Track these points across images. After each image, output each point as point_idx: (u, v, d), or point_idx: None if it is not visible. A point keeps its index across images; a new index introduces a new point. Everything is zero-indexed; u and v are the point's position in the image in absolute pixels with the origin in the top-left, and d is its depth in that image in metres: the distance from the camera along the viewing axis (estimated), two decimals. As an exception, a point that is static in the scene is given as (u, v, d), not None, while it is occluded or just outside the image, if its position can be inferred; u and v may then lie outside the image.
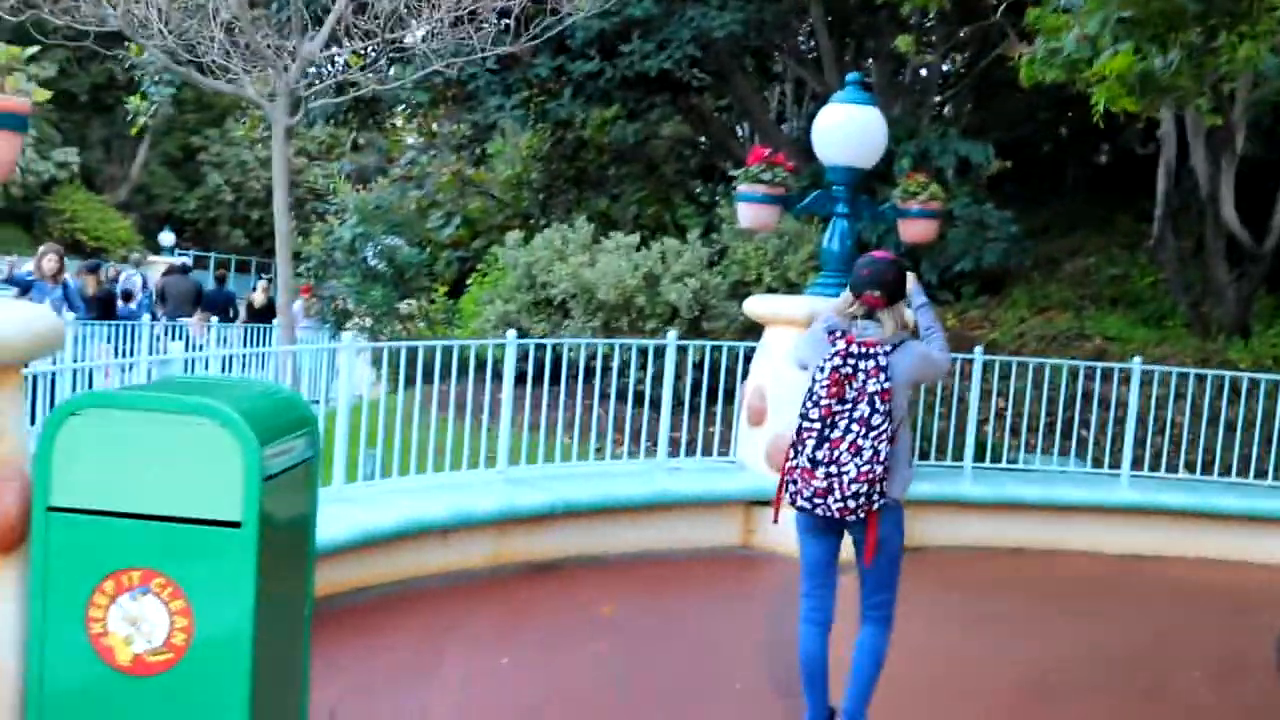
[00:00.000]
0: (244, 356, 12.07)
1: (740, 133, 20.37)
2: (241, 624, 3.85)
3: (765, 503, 8.67)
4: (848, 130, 8.73)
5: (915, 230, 9.09)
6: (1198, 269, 13.64)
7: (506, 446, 8.14)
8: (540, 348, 9.41)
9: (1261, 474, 9.75)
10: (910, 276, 5.13)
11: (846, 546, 5.14)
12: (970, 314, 13.41)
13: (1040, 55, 6.52)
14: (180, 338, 16.12)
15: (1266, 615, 7.85)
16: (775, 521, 5.33)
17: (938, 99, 16.63)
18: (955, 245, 13.30)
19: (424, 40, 10.86)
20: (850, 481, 4.79)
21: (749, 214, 8.88)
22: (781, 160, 8.84)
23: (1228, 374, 9.79)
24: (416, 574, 7.24)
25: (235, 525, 3.81)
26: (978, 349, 9.51)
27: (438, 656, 6.17)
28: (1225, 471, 9.78)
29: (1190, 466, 9.81)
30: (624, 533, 8.23)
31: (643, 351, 9.38)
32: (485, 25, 10.36)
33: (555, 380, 8.52)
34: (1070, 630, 7.40)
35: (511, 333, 8.16)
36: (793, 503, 5.00)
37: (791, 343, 8.80)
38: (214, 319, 16.23)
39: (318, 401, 7.64)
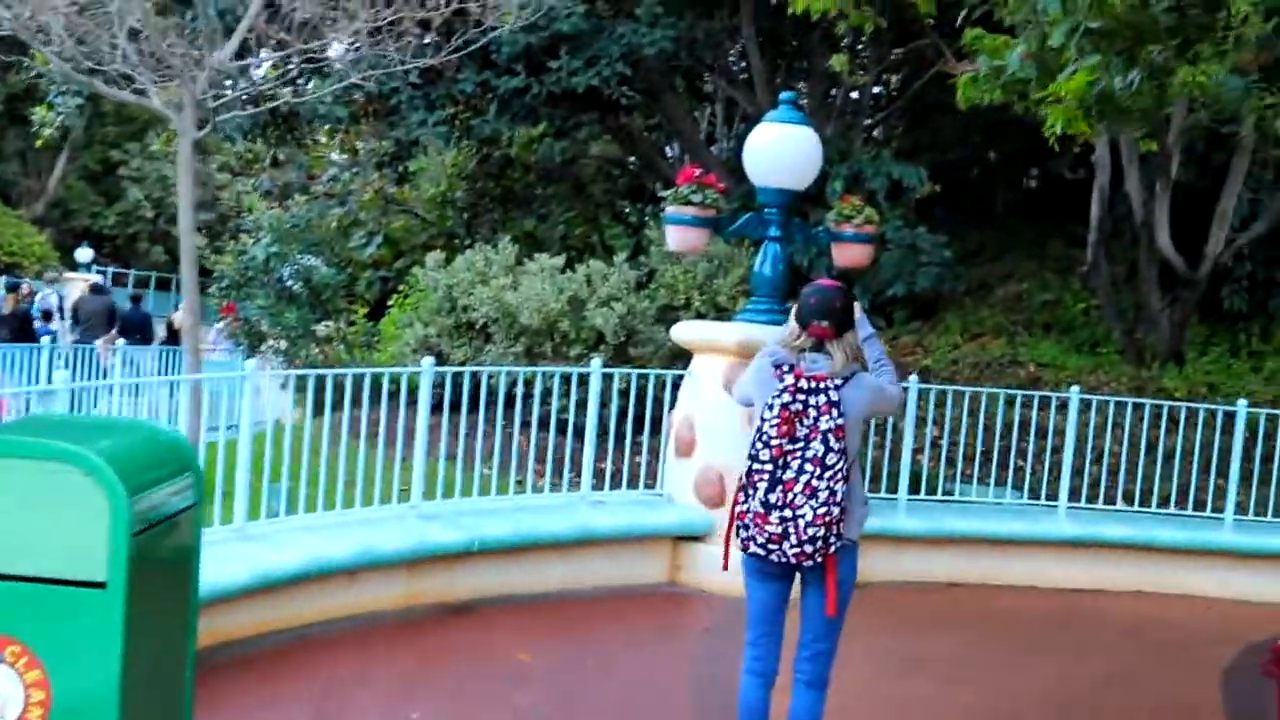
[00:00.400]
0: (137, 385, 11.54)
1: (669, 153, 20.10)
2: (106, 697, 3.44)
3: (694, 538, 8.33)
4: (780, 150, 8.41)
5: (850, 255, 8.79)
6: (1131, 295, 13.49)
7: (421, 480, 7.71)
8: (459, 374, 9.02)
9: (1200, 505, 9.55)
10: (856, 306, 4.82)
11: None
12: (903, 340, 13.16)
13: (984, 74, 6.24)
14: (88, 360, 15.53)
15: (1213, 654, 7.62)
16: (725, 569, 4.95)
17: (869, 121, 16.41)
18: (888, 269, 13.04)
19: (343, 52, 10.43)
20: (807, 525, 4.48)
21: (678, 236, 8.53)
22: (712, 181, 8.51)
23: (1165, 403, 9.59)
24: (322, 618, 6.79)
25: (100, 586, 3.40)
26: (913, 378, 9.22)
27: (342, 711, 5.74)
28: (1164, 502, 9.57)
29: (1128, 497, 9.57)
30: (545, 571, 7.83)
31: (566, 379, 9.01)
32: (406, 37, 9.95)
33: (475, 408, 8.13)
34: (1011, 673, 7.10)
35: (428, 360, 7.75)
36: (745, 549, 4.67)
37: (721, 371, 8.49)
38: (121, 341, 15.63)
39: (216, 429, 7.19)
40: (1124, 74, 4.42)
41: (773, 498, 4.53)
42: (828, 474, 4.49)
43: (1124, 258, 13.85)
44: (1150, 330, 12.46)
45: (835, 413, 4.53)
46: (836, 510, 4.50)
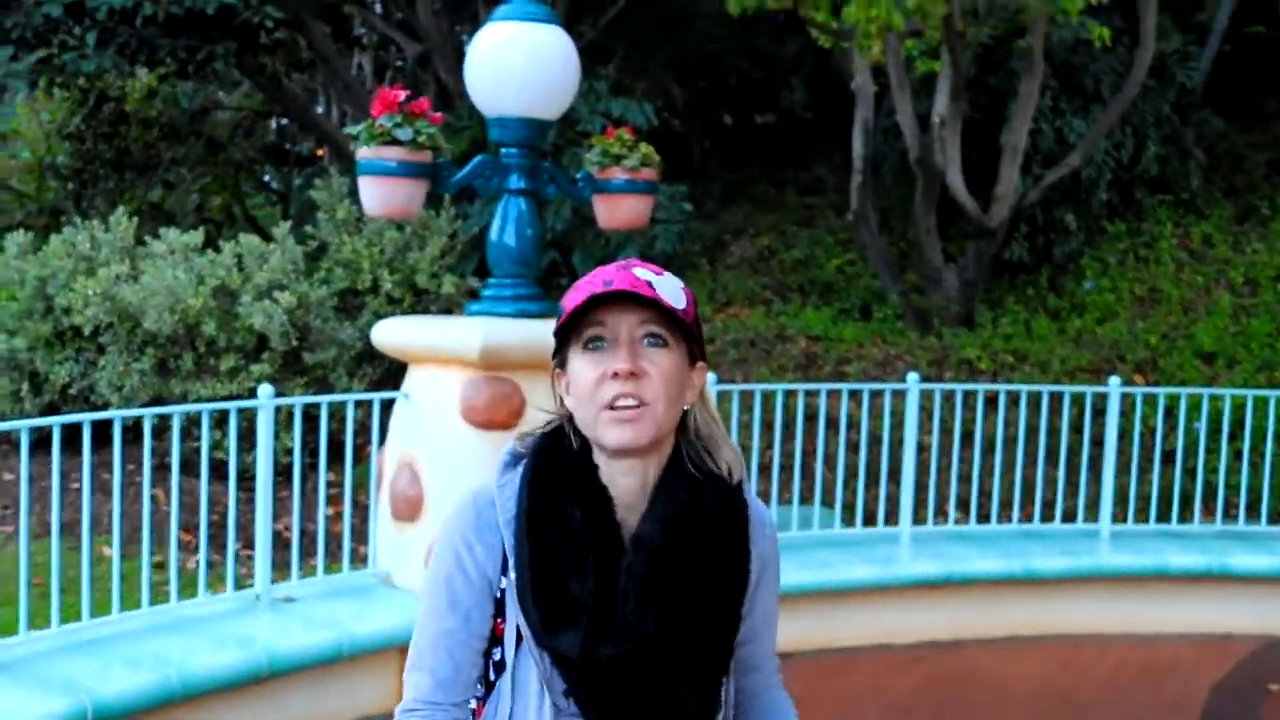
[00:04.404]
0: None
1: (320, 108, 17.25)
2: None
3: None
4: (526, 62, 5.71)
5: (623, 212, 6.21)
6: (893, 245, 11.52)
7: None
8: (58, 409, 6.02)
9: (1069, 516, 7.51)
10: None
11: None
12: (641, 315, 10.65)
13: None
14: None
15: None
16: None
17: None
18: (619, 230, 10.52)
19: None
20: None
21: (378, 193, 5.70)
22: (424, 108, 5.75)
23: (1023, 388, 7.43)
24: None
25: None
26: (712, 376, 6.74)
27: None
28: (1026, 516, 7.51)
29: (983, 512, 7.43)
30: (207, 731, 4.97)
31: (220, 412, 6.14)
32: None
33: (74, 443, 5.21)
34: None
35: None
36: None
37: (456, 393, 5.78)
38: None
39: None
40: None
41: None
42: None
43: (878, 205, 11.84)
44: (933, 290, 10.41)
45: None
46: None
